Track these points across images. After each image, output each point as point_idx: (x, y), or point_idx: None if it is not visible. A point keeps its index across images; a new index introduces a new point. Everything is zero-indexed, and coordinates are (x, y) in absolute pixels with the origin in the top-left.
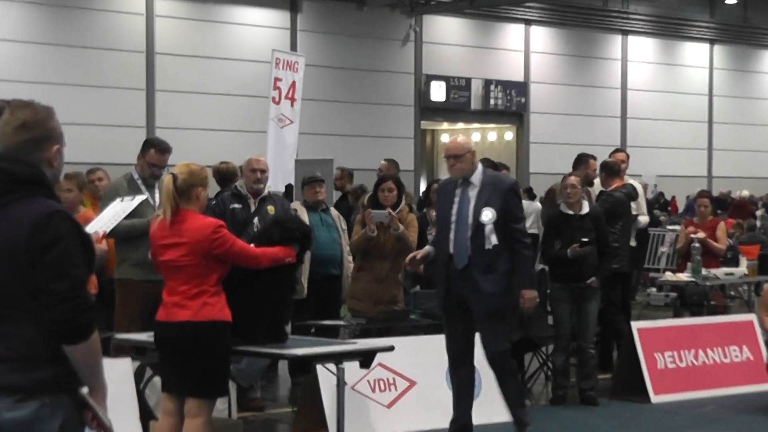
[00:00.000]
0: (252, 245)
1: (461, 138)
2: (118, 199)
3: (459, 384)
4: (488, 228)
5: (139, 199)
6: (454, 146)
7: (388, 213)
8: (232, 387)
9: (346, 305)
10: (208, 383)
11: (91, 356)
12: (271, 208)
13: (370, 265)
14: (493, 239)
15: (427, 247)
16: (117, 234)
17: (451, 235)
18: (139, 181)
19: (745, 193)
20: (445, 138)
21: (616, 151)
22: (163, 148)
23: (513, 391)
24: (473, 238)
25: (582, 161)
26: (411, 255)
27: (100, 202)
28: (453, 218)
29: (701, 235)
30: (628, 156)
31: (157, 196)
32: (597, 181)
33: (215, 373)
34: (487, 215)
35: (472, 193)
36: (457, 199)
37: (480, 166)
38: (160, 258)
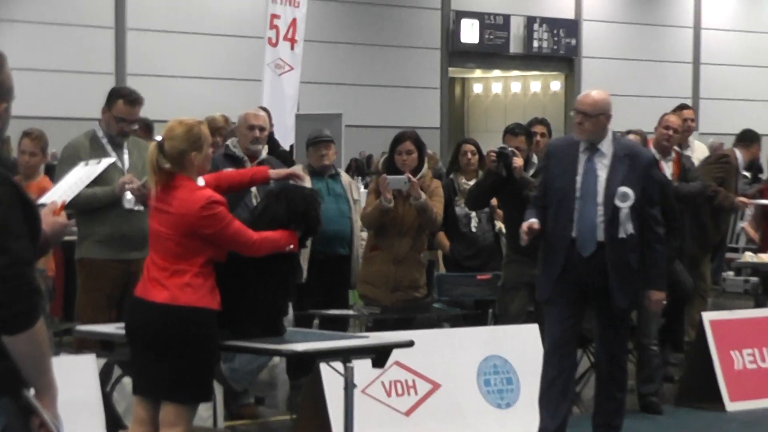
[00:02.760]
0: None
1: (597, 94)
2: (81, 163)
3: (555, 380)
4: (624, 212)
5: (106, 162)
6: (588, 101)
7: (407, 179)
8: (220, 391)
9: (357, 291)
10: (187, 385)
11: (36, 350)
12: None
13: (387, 242)
14: (629, 227)
15: (534, 219)
16: (77, 205)
17: (576, 215)
18: (104, 140)
19: None
20: (477, 88)
21: (681, 107)
22: (133, 99)
23: (615, 411)
24: (608, 224)
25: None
26: (527, 224)
27: (56, 166)
28: (577, 193)
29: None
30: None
31: (126, 157)
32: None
33: (195, 373)
34: (626, 197)
35: (602, 165)
36: (580, 169)
37: (610, 133)
38: (149, 220)
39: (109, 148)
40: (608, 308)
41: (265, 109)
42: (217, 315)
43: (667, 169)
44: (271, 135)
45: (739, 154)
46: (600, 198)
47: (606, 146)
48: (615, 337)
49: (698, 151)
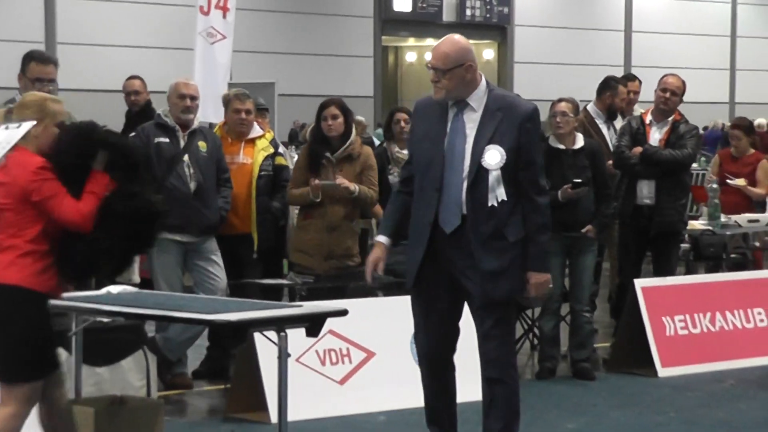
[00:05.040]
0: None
1: (448, 44)
2: (2, 127)
3: (435, 395)
4: (494, 175)
5: (28, 125)
6: (438, 54)
7: (337, 185)
8: (153, 360)
9: (290, 260)
10: (9, 364)
11: None
12: (202, 144)
13: (319, 211)
14: (501, 193)
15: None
16: None
17: (442, 184)
18: None
19: (762, 121)
20: (411, 57)
21: (628, 78)
22: (45, 58)
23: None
24: (471, 190)
25: (608, 86)
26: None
27: None
28: (439, 159)
29: (741, 182)
30: (640, 82)
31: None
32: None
33: (17, 353)
34: (494, 157)
35: (471, 123)
36: (447, 130)
37: (483, 83)
38: None
39: None
40: (480, 295)
41: None
42: (40, 297)
43: (658, 134)
44: (148, 103)
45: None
46: (466, 162)
47: (476, 100)
48: (490, 337)
49: None
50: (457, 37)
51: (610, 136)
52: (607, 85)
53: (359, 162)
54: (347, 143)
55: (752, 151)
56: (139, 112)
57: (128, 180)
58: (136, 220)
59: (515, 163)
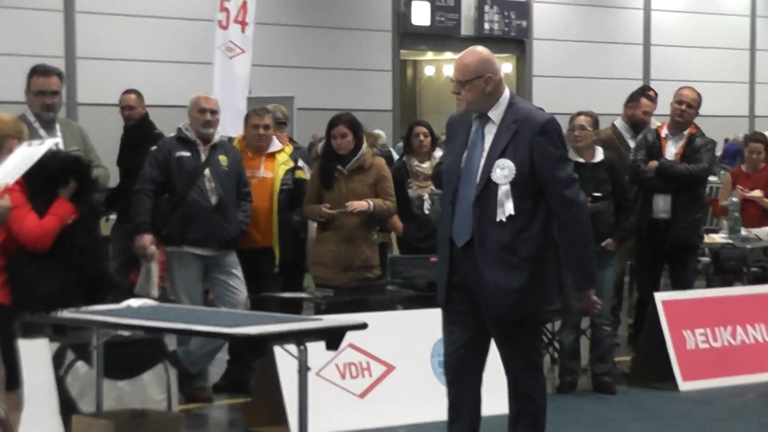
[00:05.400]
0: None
1: (469, 55)
2: (25, 144)
3: (458, 420)
4: (502, 189)
5: (50, 142)
6: (458, 66)
7: (349, 212)
8: (174, 374)
9: (310, 273)
10: None
11: None
12: (223, 158)
13: (336, 222)
14: (509, 207)
15: None
16: None
17: (455, 200)
18: (36, 124)
19: None
20: (429, 71)
21: (643, 93)
22: (48, 70)
23: None
24: (477, 204)
25: (631, 98)
26: None
27: None
28: (460, 172)
29: (757, 194)
30: (656, 94)
31: (59, 135)
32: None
33: None
34: (501, 170)
35: (489, 136)
36: (469, 143)
37: (507, 95)
38: None
39: (41, 131)
40: (491, 313)
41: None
42: (7, 309)
43: (674, 148)
44: (145, 116)
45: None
46: (478, 176)
47: (496, 114)
48: (510, 354)
49: None
50: (480, 48)
51: None
52: (631, 98)
53: (372, 173)
54: (358, 155)
55: (763, 164)
56: (135, 125)
57: (92, 216)
58: (90, 259)
59: (529, 177)
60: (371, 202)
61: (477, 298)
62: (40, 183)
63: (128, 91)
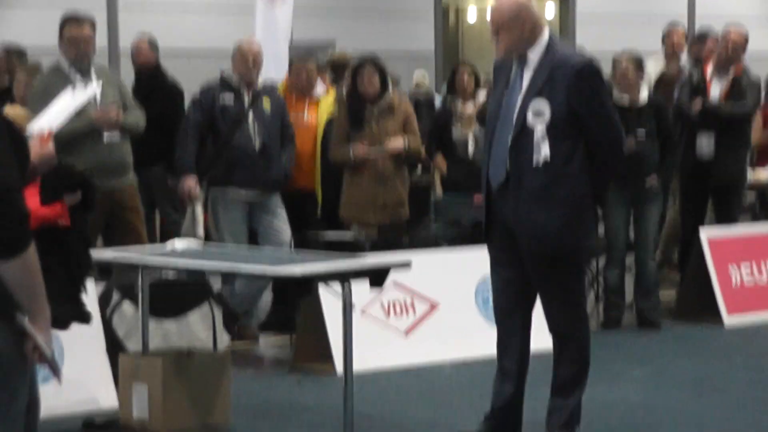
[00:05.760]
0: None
1: (507, 1)
2: (69, 90)
3: (506, 356)
4: (538, 133)
5: (93, 89)
6: (494, 14)
7: (386, 150)
8: (219, 313)
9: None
10: None
11: (27, 275)
12: (267, 103)
13: (370, 161)
14: (545, 151)
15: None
16: (59, 140)
17: (492, 140)
18: (72, 71)
19: None
20: (471, 17)
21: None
22: (79, 18)
23: (566, 396)
24: (514, 148)
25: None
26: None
27: (30, 102)
28: (494, 113)
29: None
30: (684, 32)
31: (94, 83)
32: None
33: None
34: (537, 113)
35: (527, 78)
36: (509, 86)
37: (545, 37)
38: None
39: (77, 76)
40: (529, 252)
41: None
42: None
43: (718, 87)
44: (158, 66)
45: None
46: (514, 117)
47: (534, 56)
48: (548, 297)
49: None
50: None
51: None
52: (698, 38)
53: (400, 112)
54: (385, 97)
55: None
56: (148, 75)
57: (84, 230)
58: (76, 265)
59: (567, 119)
60: (406, 142)
61: (515, 236)
62: (55, 181)
63: (140, 39)
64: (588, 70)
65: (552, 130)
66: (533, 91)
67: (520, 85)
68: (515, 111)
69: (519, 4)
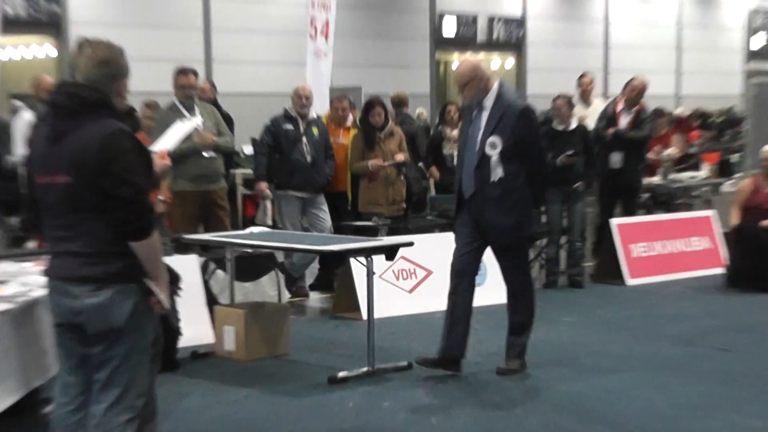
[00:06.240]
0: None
1: (464, 64)
2: (179, 120)
3: (455, 306)
4: (494, 159)
5: (195, 120)
6: (457, 75)
7: (397, 162)
8: (282, 278)
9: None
10: None
11: (152, 251)
12: (315, 130)
13: (381, 172)
14: (499, 171)
15: None
16: (179, 154)
17: (462, 163)
18: (182, 107)
19: (681, 109)
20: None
21: (582, 75)
22: (186, 70)
23: (519, 335)
24: (478, 169)
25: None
26: None
27: (153, 130)
28: (462, 143)
29: (672, 151)
30: (592, 79)
31: (197, 116)
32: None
33: None
34: (494, 145)
35: (484, 119)
36: (471, 123)
37: (495, 88)
38: None
39: (185, 111)
40: (494, 242)
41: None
42: None
43: (626, 118)
44: (214, 101)
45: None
46: (477, 148)
47: (488, 102)
48: (506, 268)
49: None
50: (469, 57)
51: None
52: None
53: (396, 136)
54: (388, 125)
55: (664, 130)
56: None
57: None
58: None
59: (513, 148)
60: (405, 155)
61: (480, 229)
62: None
63: (204, 82)
64: (526, 112)
65: (503, 156)
66: (489, 131)
67: (479, 125)
68: (477, 144)
69: (473, 68)
